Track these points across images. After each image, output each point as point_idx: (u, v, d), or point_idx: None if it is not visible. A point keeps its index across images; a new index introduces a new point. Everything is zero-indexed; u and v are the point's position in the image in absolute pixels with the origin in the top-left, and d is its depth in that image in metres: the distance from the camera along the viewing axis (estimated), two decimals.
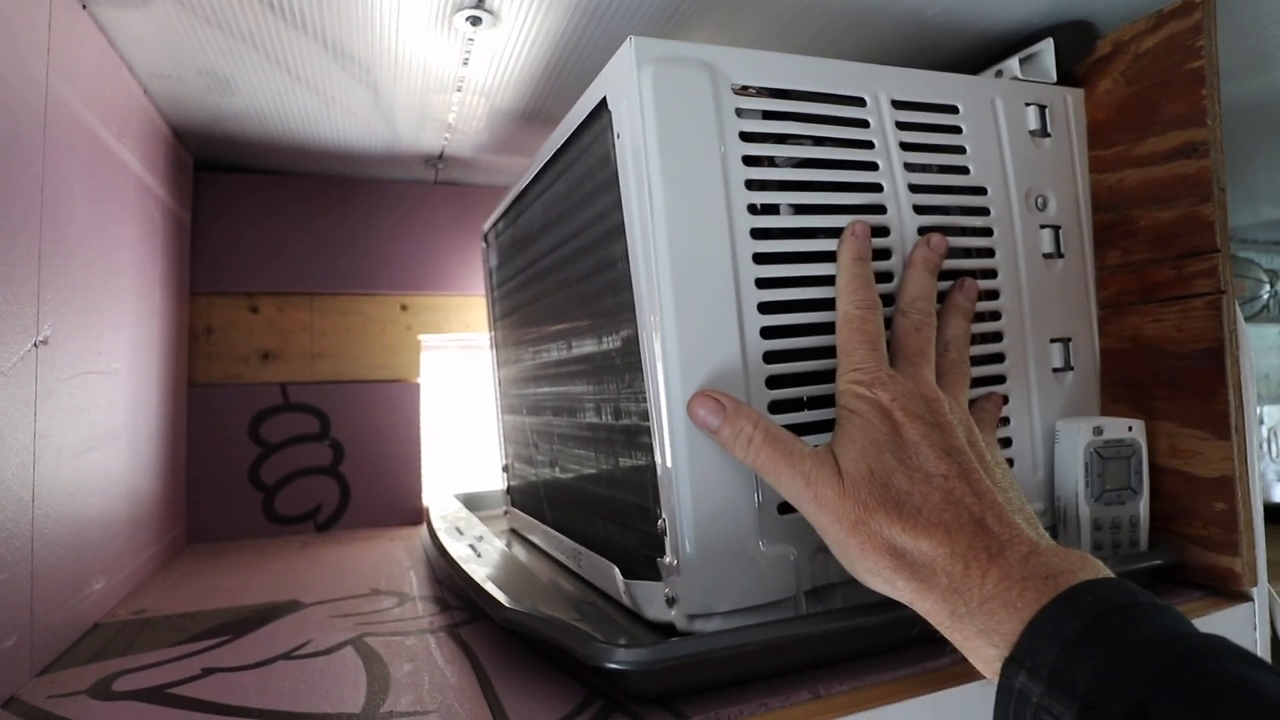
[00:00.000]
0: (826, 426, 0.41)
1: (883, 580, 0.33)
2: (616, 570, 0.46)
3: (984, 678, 0.30)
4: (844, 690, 0.37)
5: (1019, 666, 0.27)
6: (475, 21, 0.52)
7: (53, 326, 0.45)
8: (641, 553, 0.44)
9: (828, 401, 0.41)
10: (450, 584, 0.60)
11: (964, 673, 0.38)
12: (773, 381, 0.40)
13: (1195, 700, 0.23)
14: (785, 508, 0.40)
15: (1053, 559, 0.30)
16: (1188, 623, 0.27)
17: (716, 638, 0.36)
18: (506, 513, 0.78)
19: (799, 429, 0.40)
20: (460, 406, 0.97)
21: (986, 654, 0.29)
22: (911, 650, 0.40)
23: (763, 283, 0.41)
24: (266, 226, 0.85)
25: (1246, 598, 0.47)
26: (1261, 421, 1.32)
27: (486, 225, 0.76)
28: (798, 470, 0.35)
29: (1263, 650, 0.48)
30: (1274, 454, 1.35)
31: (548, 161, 0.54)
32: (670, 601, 0.39)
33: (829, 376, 0.41)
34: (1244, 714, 0.23)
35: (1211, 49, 0.48)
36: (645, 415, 0.41)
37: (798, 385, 0.41)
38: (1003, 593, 0.29)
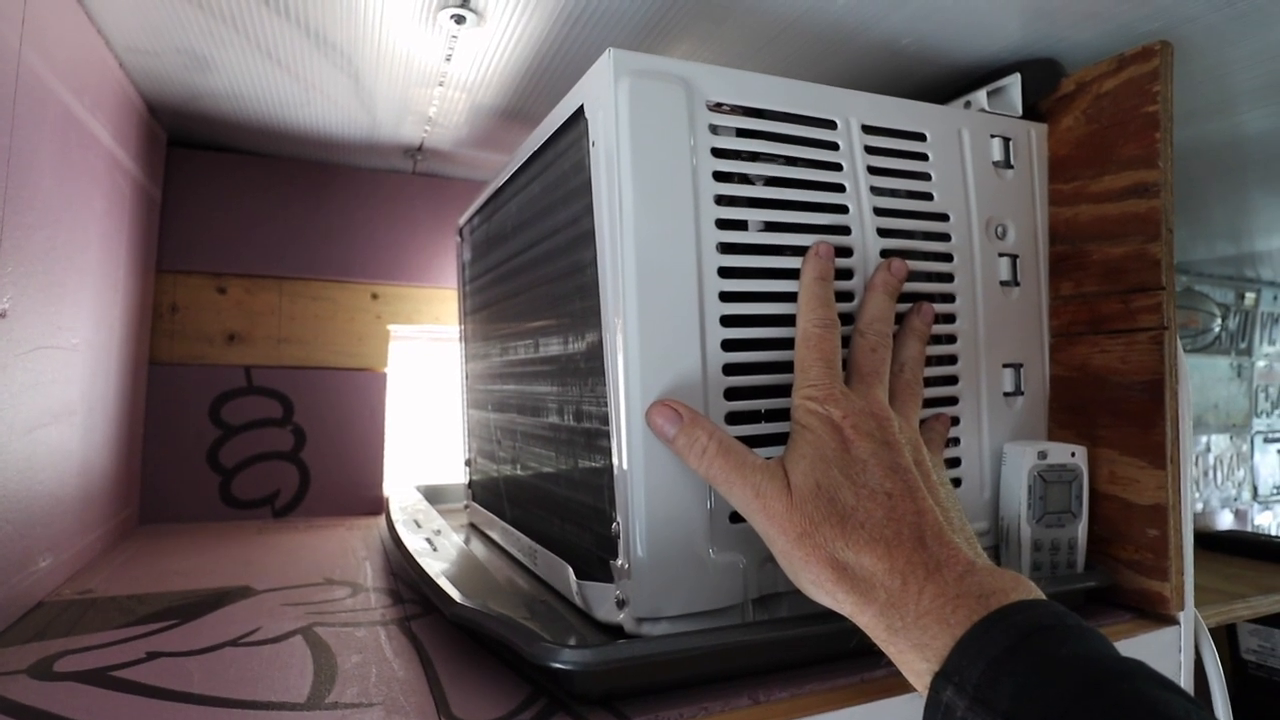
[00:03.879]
0: (782, 440, 0.42)
1: (824, 592, 0.34)
2: (570, 570, 0.46)
3: (916, 690, 0.31)
4: (783, 697, 0.38)
5: (947, 681, 0.28)
6: (460, 20, 0.52)
7: (11, 299, 0.45)
8: (595, 554, 0.45)
9: (784, 415, 0.42)
10: (405, 576, 0.60)
11: (899, 685, 0.39)
12: (731, 393, 0.41)
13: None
14: (736, 517, 0.41)
15: (987, 579, 0.31)
16: (1110, 646, 0.28)
17: (660, 641, 0.36)
18: (467, 507, 0.78)
19: (755, 441, 0.41)
20: (426, 398, 0.97)
21: (919, 667, 0.30)
22: (850, 661, 0.41)
23: (726, 296, 0.42)
24: (239, 207, 0.84)
25: (1174, 621, 0.49)
26: (1208, 450, 1.37)
27: (462, 220, 0.76)
28: (748, 481, 0.36)
29: (1187, 671, 0.50)
30: (1219, 481, 1.40)
31: (524, 163, 0.54)
32: (620, 603, 0.40)
33: (786, 391, 0.42)
34: None
35: (1167, 94, 0.50)
36: (605, 419, 0.42)
37: (756, 398, 0.42)
38: (937, 609, 0.30)
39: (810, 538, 0.34)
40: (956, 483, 0.50)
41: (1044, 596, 0.31)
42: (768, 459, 0.38)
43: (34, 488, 0.50)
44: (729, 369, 0.41)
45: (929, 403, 0.49)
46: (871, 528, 0.33)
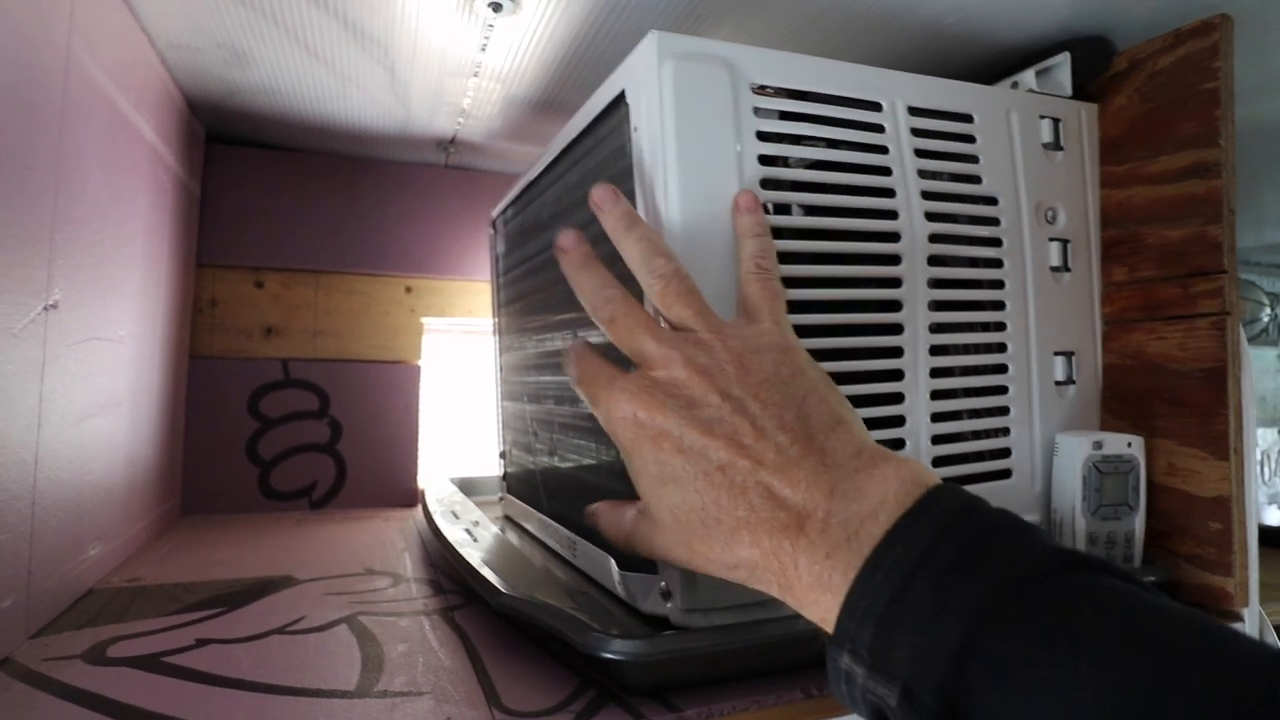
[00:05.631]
0: None
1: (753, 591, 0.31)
2: (612, 561, 0.46)
3: None
4: None
5: (840, 649, 0.25)
6: (497, 8, 0.52)
7: (62, 291, 0.45)
8: None
9: None
10: (444, 567, 0.60)
11: None
12: None
13: (1001, 675, 0.22)
14: None
15: (851, 507, 0.27)
16: (1008, 534, 0.25)
17: (712, 633, 0.36)
18: (502, 499, 0.78)
19: None
20: (460, 391, 0.97)
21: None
22: None
23: None
24: (275, 201, 0.85)
25: (1238, 618, 0.47)
26: (1256, 444, 1.33)
27: (495, 212, 0.76)
28: (636, 540, 0.34)
29: None
30: (1267, 476, 1.36)
31: (562, 151, 0.54)
32: (665, 595, 0.39)
33: (835, 378, 0.41)
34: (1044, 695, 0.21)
35: (1227, 70, 0.48)
36: None
37: None
38: (815, 578, 0.27)
39: (698, 557, 0.31)
40: (1006, 474, 0.49)
41: (910, 480, 0.27)
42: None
43: (84, 477, 0.50)
44: None
45: (977, 393, 0.47)
46: (727, 518, 0.30)
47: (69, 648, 0.42)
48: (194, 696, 0.36)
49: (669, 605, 0.39)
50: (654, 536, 0.33)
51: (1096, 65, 0.55)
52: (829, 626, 0.27)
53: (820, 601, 0.27)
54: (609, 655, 0.34)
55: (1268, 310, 1.30)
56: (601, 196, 0.38)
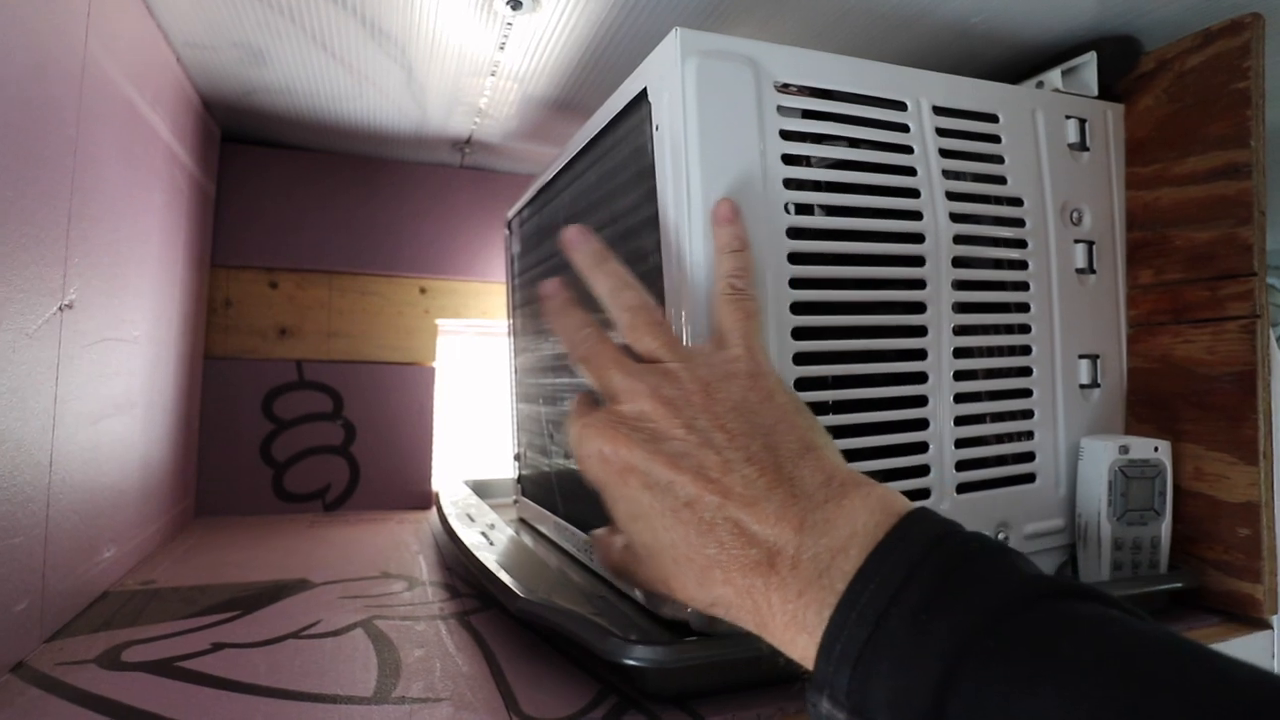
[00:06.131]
0: (851, 433, 0.41)
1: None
2: None
3: None
4: None
5: (819, 693, 0.25)
6: (516, 6, 0.52)
7: (78, 291, 0.45)
8: None
9: (854, 407, 0.41)
10: (460, 571, 0.60)
11: None
12: (800, 384, 0.40)
13: (980, 714, 0.21)
14: None
15: (821, 541, 0.27)
16: (972, 588, 0.24)
17: (736, 639, 0.35)
18: (516, 502, 0.78)
19: None
20: (474, 393, 0.97)
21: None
22: None
23: (796, 283, 0.40)
24: (290, 202, 0.85)
25: (1266, 625, 0.46)
26: None
27: (511, 212, 0.75)
28: (624, 572, 0.34)
29: None
30: None
31: (580, 150, 0.53)
32: None
33: (858, 382, 0.41)
34: None
35: (1259, 70, 0.48)
36: None
37: (825, 389, 0.41)
38: (789, 617, 0.26)
39: (680, 592, 0.31)
40: (1030, 478, 0.48)
41: (883, 512, 0.27)
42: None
43: (99, 479, 0.50)
44: (799, 358, 0.40)
45: (1002, 395, 0.47)
46: (699, 557, 0.29)
47: (83, 652, 0.41)
48: (209, 702, 0.36)
49: (689, 610, 0.38)
50: (637, 570, 0.33)
51: (1123, 65, 0.54)
52: (808, 665, 0.26)
53: (797, 641, 0.26)
54: (631, 662, 0.33)
55: None
56: (572, 236, 0.39)
